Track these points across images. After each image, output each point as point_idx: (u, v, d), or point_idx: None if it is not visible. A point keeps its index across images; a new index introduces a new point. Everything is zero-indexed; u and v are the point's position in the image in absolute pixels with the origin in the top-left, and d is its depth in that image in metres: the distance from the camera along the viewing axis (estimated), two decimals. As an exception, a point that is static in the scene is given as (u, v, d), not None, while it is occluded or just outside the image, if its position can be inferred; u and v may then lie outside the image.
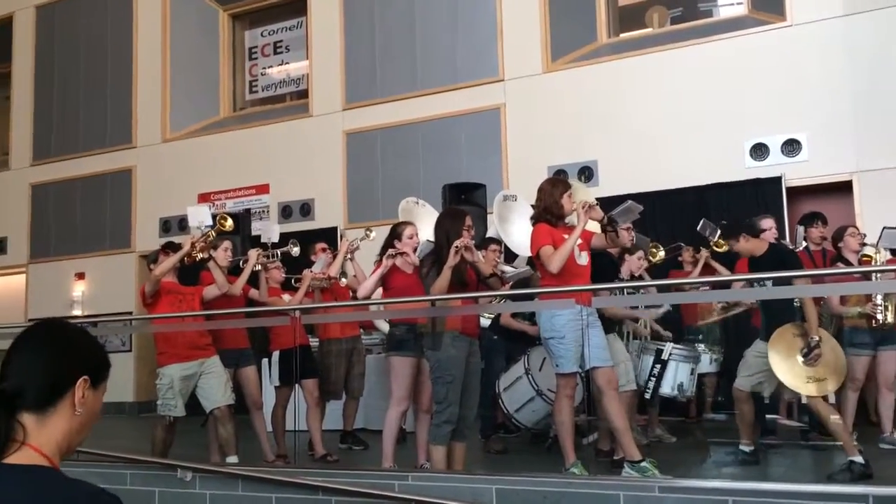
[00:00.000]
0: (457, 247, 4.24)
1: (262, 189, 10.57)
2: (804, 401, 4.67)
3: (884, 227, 5.60)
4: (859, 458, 4.39)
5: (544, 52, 9.09)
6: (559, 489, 3.67)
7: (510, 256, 6.71)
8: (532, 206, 4.88)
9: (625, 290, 5.24)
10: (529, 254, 6.15)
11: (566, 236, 4.38)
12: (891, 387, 5.52)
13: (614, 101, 8.64)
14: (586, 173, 8.58)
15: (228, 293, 5.31)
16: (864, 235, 5.67)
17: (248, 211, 9.90)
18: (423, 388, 4.81)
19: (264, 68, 11.67)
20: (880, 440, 5.44)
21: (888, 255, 5.62)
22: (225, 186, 10.79)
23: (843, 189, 7.56)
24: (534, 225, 4.55)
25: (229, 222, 5.89)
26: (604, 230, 4.49)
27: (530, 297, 4.79)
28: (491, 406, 6.01)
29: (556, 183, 4.66)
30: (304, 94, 10.98)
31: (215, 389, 5.16)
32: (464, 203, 7.26)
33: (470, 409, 4.48)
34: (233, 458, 5.12)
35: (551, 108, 8.92)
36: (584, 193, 4.78)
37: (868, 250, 5.54)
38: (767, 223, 5.17)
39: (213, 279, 5.29)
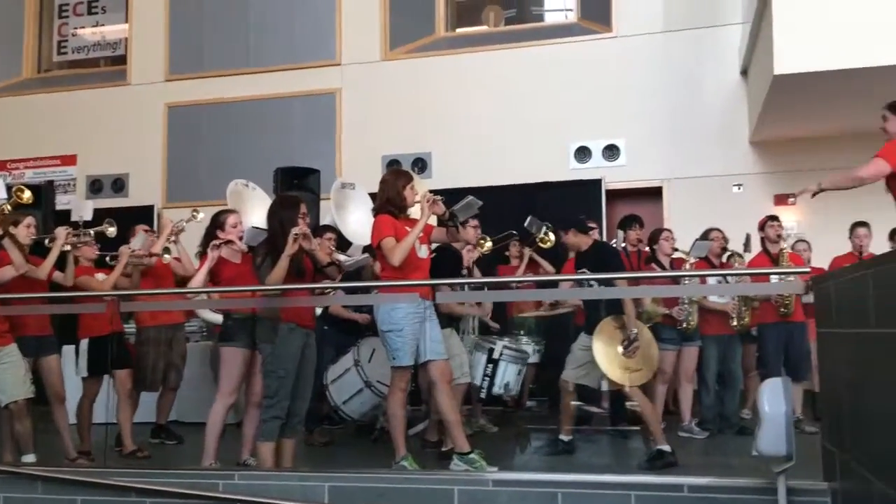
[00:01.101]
0: (294, 235, 4.07)
1: (69, 160, 9.69)
2: (627, 389, 4.91)
3: (696, 240, 6.06)
4: (667, 447, 4.73)
5: (383, 40, 9.02)
6: (395, 485, 3.63)
7: (343, 244, 6.58)
8: (370, 195, 4.80)
9: (466, 286, 5.29)
10: (366, 243, 6.08)
11: (408, 228, 4.34)
12: (690, 379, 6.00)
13: (450, 94, 8.74)
14: (420, 165, 8.61)
15: (29, 275, 4.76)
16: (675, 240, 6.10)
17: (51, 183, 9.01)
18: (254, 380, 4.60)
19: (76, 28, 10.66)
20: (679, 429, 5.91)
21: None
22: (24, 154, 9.78)
23: (655, 194, 8.12)
24: (375, 215, 4.47)
25: (27, 194, 5.32)
26: (444, 224, 4.50)
27: (367, 289, 4.71)
28: (317, 398, 5.87)
29: (400, 174, 4.61)
30: (120, 60, 10.16)
31: (11, 381, 4.63)
32: (296, 188, 7.04)
33: (302, 403, 4.33)
34: (30, 457, 4.63)
35: (388, 96, 8.87)
36: (421, 188, 4.76)
37: (679, 254, 5.98)
38: (592, 225, 5.44)
39: (9, 259, 4.72)
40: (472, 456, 4.31)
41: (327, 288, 4.65)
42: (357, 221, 6.32)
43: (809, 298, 5.90)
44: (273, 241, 4.21)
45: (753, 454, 3.12)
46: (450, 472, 4.18)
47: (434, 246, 4.89)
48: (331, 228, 6.08)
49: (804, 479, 3.22)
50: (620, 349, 4.84)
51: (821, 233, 7.05)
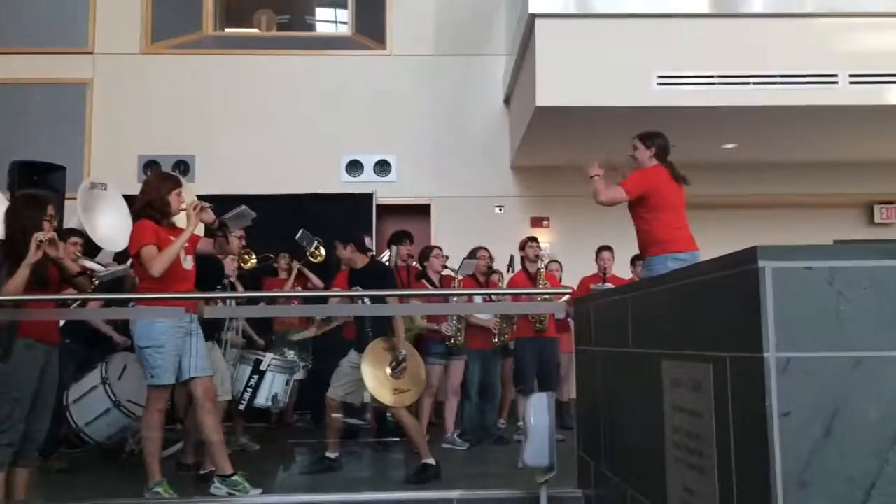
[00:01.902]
0: (39, 241, 3.60)
1: None
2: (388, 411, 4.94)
3: (464, 258, 6.28)
4: (432, 461, 4.82)
5: (144, 32, 8.41)
6: (150, 517, 3.32)
7: (91, 250, 5.98)
8: (125, 197, 4.40)
9: (234, 301, 5.02)
10: (118, 249, 5.56)
11: (172, 238, 4.03)
12: (456, 392, 6.20)
13: (217, 96, 8.35)
14: (182, 168, 8.11)
15: None
16: (447, 258, 6.30)
17: None
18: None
19: None
20: (443, 440, 6.07)
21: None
22: None
23: (423, 211, 8.34)
24: (135, 220, 4.09)
25: None
26: (212, 234, 4.24)
27: (125, 302, 4.30)
28: (54, 419, 5.25)
29: (166, 178, 4.27)
30: None
31: None
32: (37, 185, 6.28)
33: (39, 427, 3.83)
34: None
35: (147, 92, 8.27)
36: (190, 194, 4.45)
37: (448, 272, 6.17)
38: (369, 242, 5.42)
39: None
40: (234, 478, 4.09)
41: (72, 299, 4.18)
42: (108, 226, 5.76)
43: (561, 315, 6.41)
44: (13, 246, 3.69)
45: (519, 466, 3.26)
46: (210, 496, 3.93)
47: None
48: (77, 232, 5.50)
49: (558, 488, 3.43)
50: (389, 371, 4.86)
51: (570, 254, 7.64)
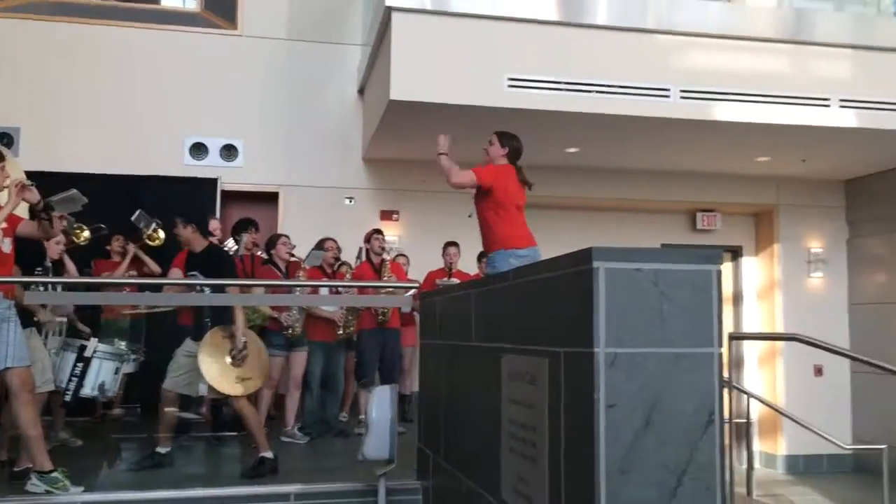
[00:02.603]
0: None
1: None
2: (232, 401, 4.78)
3: (311, 249, 6.17)
4: (269, 454, 4.72)
5: (-35, -12, 7.64)
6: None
7: None
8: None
9: (59, 286, 4.66)
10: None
11: (-10, 215, 3.70)
12: (298, 384, 6.10)
13: (48, 66, 7.73)
14: (5, 140, 7.45)
15: None
16: (294, 247, 6.17)
17: None
18: None
19: None
20: (282, 434, 5.95)
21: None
22: None
23: (271, 199, 8.13)
24: (-56, 195, 3.72)
25: None
26: (36, 216, 3.92)
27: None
28: None
29: (-14, 150, 3.91)
30: None
31: None
32: None
33: None
34: None
35: (-35, 55, 7.53)
36: (17, 169, 4.09)
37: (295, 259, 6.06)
38: (214, 224, 5.21)
39: None
40: (54, 475, 3.82)
41: None
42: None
43: (408, 309, 6.47)
44: None
45: (360, 459, 3.26)
46: (27, 494, 3.65)
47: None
48: None
49: (396, 480, 3.46)
50: (229, 359, 4.71)
51: (418, 248, 7.71)
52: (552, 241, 4.62)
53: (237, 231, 6.22)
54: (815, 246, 9.03)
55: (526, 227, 4.68)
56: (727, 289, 9.46)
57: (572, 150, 7.71)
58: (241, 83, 8.14)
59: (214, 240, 5.17)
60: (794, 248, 9.02)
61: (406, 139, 7.20)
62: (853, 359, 4.61)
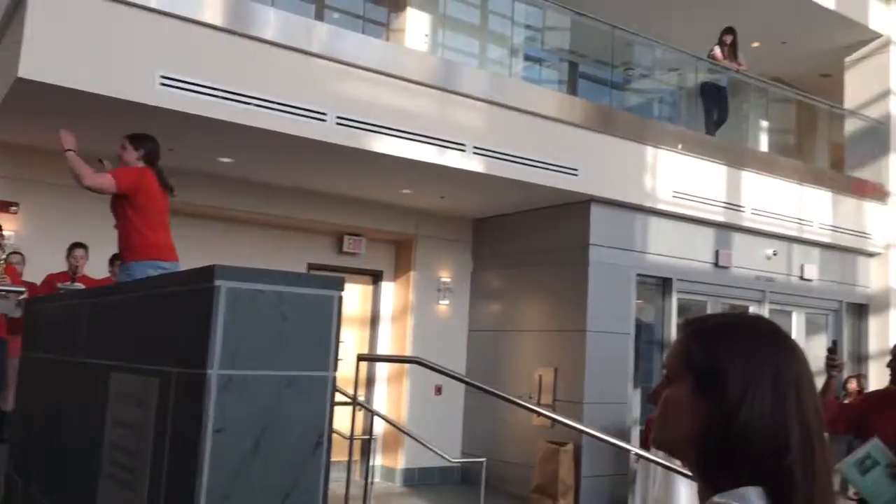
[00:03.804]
0: None
1: None
2: None
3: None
4: None
5: None
6: None
7: None
8: None
9: None
10: None
11: None
12: None
13: None
14: None
15: None
16: None
17: None
18: None
19: None
20: None
21: None
22: None
23: None
24: None
25: None
26: None
27: None
28: None
29: None
30: None
31: None
32: None
33: None
34: None
35: None
36: None
37: None
38: None
39: None
40: None
41: None
42: None
43: (17, 314, 5.71)
44: None
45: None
46: None
47: None
48: None
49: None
50: None
51: (40, 247, 6.88)
52: (196, 251, 4.44)
53: None
54: (445, 276, 9.91)
55: (169, 236, 4.44)
56: (367, 311, 9.94)
57: (226, 159, 7.52)
58: None
59: None
60: (427, 276, 9.79)
61: (35, 123, 6.41)
62: (459, 380, 5.10)
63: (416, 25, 9.42)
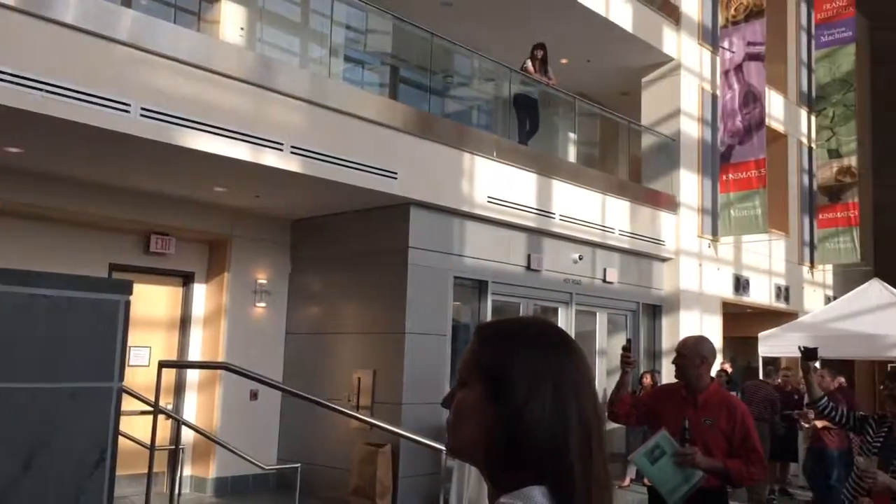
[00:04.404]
0: None
1: None
2: None
3: None
4: None
5: None
6: None
7: None
8: None
9: None
10: None
11: None
12: None
13: None
14: None
15: None
16: None
17: None
18: None
19: None
20: None
21: None
22: None
23: None
24: None
25: None
26: None
27: None
28: None
29: None
30: None
31: None
32: None
33: None
34: None
35: None
36: None
37: None
38: None
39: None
40: None
41: None
42: None
43: None
44: None
45: None
46: None
47: None
48: None
49: None
50: None
51: None
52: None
53: None
54: (262, 277, 9.63)
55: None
56: (176, 314, 9.45)
57: (14, 149, 6.85)
58: None
59: None
60: (243, 278, 9.47)
61: None
62: (268, 385, 4.97)
63: (231, 18, 9.09)
